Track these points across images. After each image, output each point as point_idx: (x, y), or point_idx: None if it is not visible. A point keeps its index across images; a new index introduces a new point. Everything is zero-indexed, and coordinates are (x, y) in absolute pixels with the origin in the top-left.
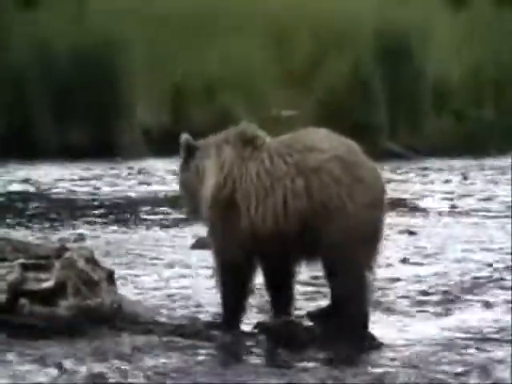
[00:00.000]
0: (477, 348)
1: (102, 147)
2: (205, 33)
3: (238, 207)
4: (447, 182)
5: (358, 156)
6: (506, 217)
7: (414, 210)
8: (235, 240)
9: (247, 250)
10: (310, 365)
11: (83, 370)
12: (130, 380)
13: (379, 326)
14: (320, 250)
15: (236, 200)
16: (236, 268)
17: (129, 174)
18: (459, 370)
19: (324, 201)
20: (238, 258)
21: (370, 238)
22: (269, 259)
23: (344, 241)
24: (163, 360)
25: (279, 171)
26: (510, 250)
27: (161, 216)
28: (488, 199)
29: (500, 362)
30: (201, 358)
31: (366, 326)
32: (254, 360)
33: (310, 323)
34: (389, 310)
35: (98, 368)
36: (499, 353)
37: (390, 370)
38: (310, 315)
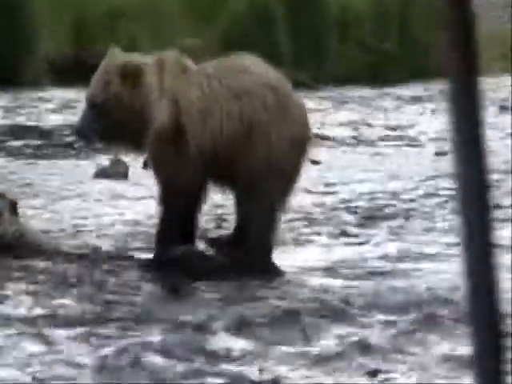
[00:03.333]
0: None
1: (5, 78)
2: None
3: (184, 133)
4: (350, 111)
5: (287, 88)
6: (408, 145)
7: (318, 139)
8: (186, 164)
9: (197, 173)
10: (207, 295)
11: None
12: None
13: (279, 255)
14: (239, 176)
15: (182, 126)
16: (187, 191)
17: (32, 104)
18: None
19: (251, 124)
20: (191, 181)
21: (288, 173)
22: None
23: (262, 169)
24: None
25: (216, 94)
26: (410, 179)
27: (63, 146)
28: (390, 128)
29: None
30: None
31: (269, 257)
32: (150, 289)
33: (212, 252)
34: (287, 239)
35: None
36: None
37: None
38: (211, 241)
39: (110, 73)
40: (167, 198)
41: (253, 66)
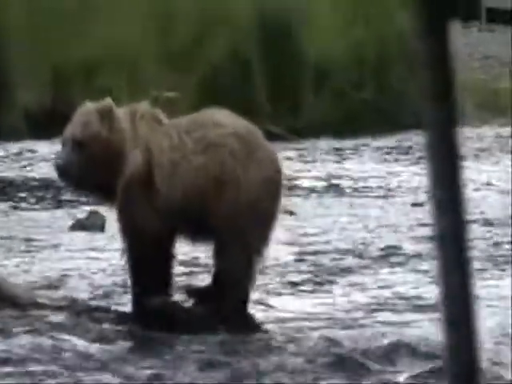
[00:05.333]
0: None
1: None
2: (86, 14)
3: (154, 183)
4: (326, 162)
5: (256, 136)
6: (383, 197)
7: (294, 190)
8: (154, 214)
9: (165, 224)
10: (181, 348)
11: None
12: None
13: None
14: (213, 226)
15: (153, 175)
16: (156, 243)
17: (6, 156)
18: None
19: (219, 174)
20: (158, 231)
21: (262, 219)
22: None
23: (234, 216)
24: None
25: (185, 147)
26: (387, 229)
27: (38, 198)
28: (365, 179)
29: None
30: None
31: (245, 306)
32: (126, 343)
33: (189, 303)
34: (264, 290)
35: None
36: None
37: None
38: (188, 291)
39: (89, 114)
40: (133, 249)
41: (221, 119)
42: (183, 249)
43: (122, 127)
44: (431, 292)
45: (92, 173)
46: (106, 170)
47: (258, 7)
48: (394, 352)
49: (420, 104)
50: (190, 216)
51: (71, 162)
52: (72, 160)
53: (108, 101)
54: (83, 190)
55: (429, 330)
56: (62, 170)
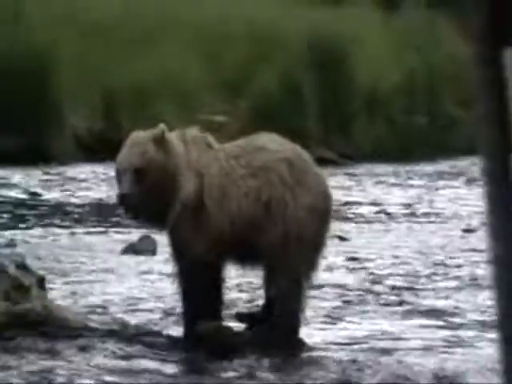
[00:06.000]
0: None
1: (33, 154)
2: (137, 41)
3: (205, 208)
4: (378, 187)
5: (305, 161)
6: (435, 222)
7: (344, 215)
8: (206, 238)
9: (215, 248)
10: (233, 373)
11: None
12: None
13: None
14: (262, 251)
15: (204, 201)
16: (207, 267)
17: (59, 179)
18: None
19: (268, 200)
20: (209, 255)
21: (310, 244)
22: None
23: (283, 242)
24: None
25: (234, 172)
26: (439, 256)
27: (89, 222)
28: (417, 204)
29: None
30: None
31: (296, 332)
32: (173, 367)
33: (240, 328)
34: (316, 315)
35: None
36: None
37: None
38: (239, 316)
39: (143, 142)
40: (185, 274)
41: (269, 144)
42: (234, 273)
43: (176, 152)
44: None
45: (151, 199)
46: (162, 196)
47: (309, 33)
48: None
49: (475, 130)
50: (239, 241)
51: (134, 192)
52: (134, 189)
53: (161, 127)
54: (141, 217)
55: None
56: (126, 200)
